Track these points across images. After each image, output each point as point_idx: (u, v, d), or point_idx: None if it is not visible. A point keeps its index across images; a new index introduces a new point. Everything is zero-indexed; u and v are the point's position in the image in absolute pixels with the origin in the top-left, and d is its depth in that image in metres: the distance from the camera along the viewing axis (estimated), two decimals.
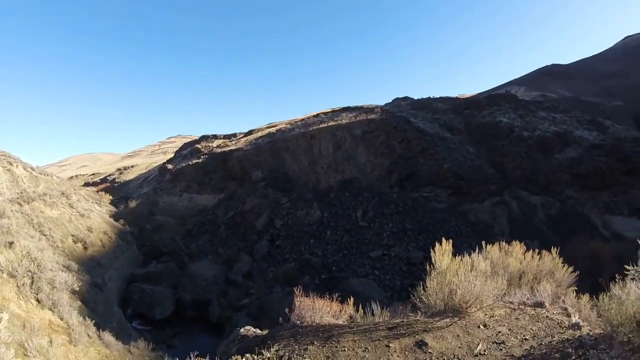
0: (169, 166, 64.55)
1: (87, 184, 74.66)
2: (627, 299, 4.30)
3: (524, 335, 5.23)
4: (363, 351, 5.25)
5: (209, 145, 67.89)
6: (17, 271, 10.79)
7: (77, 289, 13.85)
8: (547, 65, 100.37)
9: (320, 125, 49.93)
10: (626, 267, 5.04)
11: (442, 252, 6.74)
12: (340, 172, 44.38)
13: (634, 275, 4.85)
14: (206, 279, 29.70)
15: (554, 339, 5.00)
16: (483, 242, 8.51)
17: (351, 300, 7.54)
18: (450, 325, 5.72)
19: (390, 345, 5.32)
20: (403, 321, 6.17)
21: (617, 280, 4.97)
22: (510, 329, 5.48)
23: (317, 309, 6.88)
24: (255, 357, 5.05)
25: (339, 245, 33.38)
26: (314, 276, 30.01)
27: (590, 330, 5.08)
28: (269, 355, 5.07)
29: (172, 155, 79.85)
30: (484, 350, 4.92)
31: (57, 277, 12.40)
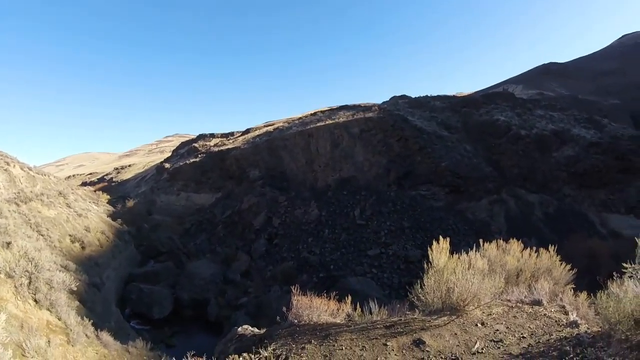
0: (167, 165, 64.41)
1: (84, 184, 74.43)
2: (625, 297, 4.30)
3: (521, 334, 5.23)
4: (360, 350, 5.24)
5: (206, 144, 67.84)
6: (14, 271, 10.75)
7: (75, 288, 13.82)
8: (544, 64, 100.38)
9: (318, 124, 49.93)
10: (624, 265, 5.04)
11: (440, 250, 6.74)
12: (337, 170, 44.38)
13: (631, 273, 4.86)
14: (204, 278, 29.66)
15: (551, 337, 5.00)
16: (480, 240, 8.53)
17: (349, 299, 7.52)
18: (447, 323, 5.71)
19: (388, 343, 5.31)
20: (400, 319, 6.16)
21: (614, 278, 4.98)
22: (507, 327, 5.48)
23: (314, 308, 6.88)
24: (253, 356, 5.04)
25: (337, 243, 33.37)
26: (312, 275, 30.00)
27: (588, 328, 5.08)
28: (266, 355, 5.06)
29: (169, 154, 79.73)
30: (482, 349, 4.91)
31: (55, 277, 12.37)
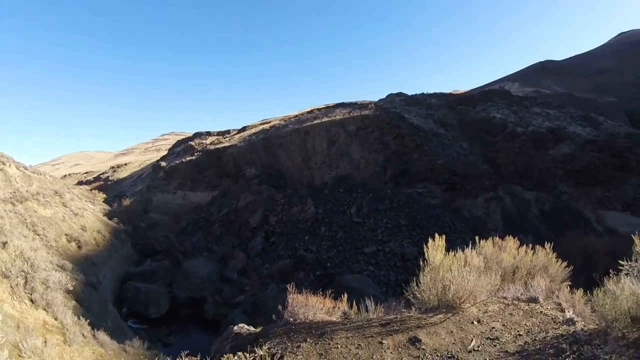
0: (163, 164, 64.25)
1: (80, 183, 74.17)
2: (622, 294, 4.29)
3: (517, 331, 5.22)
4: (356, 348, 5.22)
5: (202, 142, 67.65)
6: (10, 271, 10.67)
7: (72, 288, 13.75)
8: (540, 62, 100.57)
9: (314, 122, 49.91)
10: (620, 262, 5.03)
11: (436, 248, 6.71)
12: (334, 168, 44.37)
13: (628, 270, 4.85)
14: (201, 276, 29.64)
15: (548, 334, 4.99)
16: (477, 238, 8.48)
17: (345, 297, 7.50)
18: (443, 321, 5.70)
19: (384, 341, 5.28)
20: (396, 317, 6.14)
21: (611, 275, 4.97)
22: (504, 325, 5.46)
23: (310, 306, 6.85)
24: (248, 355, 5.01)
25: (334, 241, 33.38)
26: (308, 272, 30.02)
27: (584, 326, 5.07)
28: (261, 354, 5.03)
29: (165, 152, 79.54)
30: (478, 346, 4.90)
31: (51, 277, 12.30)
